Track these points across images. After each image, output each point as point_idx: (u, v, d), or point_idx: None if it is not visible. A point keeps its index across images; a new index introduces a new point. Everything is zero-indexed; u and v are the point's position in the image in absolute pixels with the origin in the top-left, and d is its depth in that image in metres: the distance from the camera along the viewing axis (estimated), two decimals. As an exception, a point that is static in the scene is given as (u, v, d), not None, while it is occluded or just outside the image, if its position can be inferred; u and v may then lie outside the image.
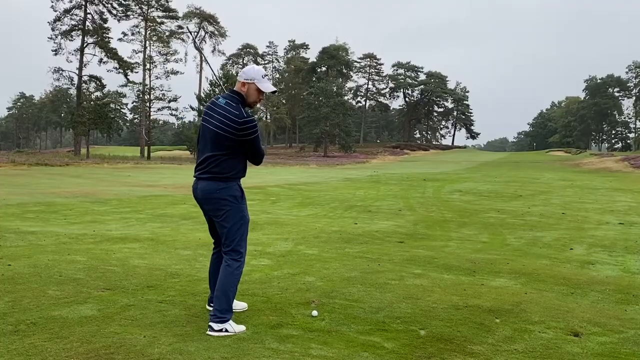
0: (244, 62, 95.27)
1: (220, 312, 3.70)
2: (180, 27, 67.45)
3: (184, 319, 3.92)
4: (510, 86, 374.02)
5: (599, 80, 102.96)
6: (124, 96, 79.90)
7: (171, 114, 62.17)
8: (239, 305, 4.18)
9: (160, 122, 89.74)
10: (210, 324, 3.70)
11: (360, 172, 33.86)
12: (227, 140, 3.67)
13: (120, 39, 62.26)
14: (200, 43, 72.20)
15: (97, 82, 57.73)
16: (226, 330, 3.68)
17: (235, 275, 3.80)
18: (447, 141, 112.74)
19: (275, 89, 3.86)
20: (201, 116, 3.98)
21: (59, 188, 17.36)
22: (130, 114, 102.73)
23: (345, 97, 79.43)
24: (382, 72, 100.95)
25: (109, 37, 57.59)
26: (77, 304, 4.19)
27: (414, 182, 23.67)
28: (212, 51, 78.75)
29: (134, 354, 3.21)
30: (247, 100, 3.77)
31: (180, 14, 68.10)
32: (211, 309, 3.89)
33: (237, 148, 3.71)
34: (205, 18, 75.02)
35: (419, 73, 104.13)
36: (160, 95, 60.35)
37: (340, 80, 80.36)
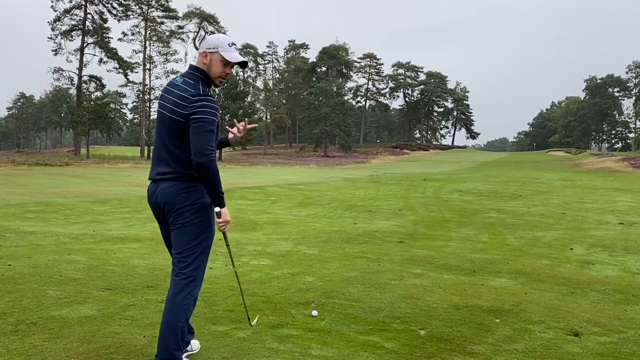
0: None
1: (165, 352, 2.93)
2: (180, 27, 67.48)
3: (184, 319, 3.91)
4: (510, 86, 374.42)
5: (599, 80, 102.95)
6: (124, 96, 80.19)
7: (171, 114, 61.97)
8: (193, 345, 3.34)
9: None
10: None
11: (360, 172, 33.85)
12: (184, 125, 2.91)
13: (120, 39, 62.26)
14: (200, 43, 72.16)
15: (97, 82, 57.77)
16: None
17: (185, 306, 2.97)
18: (447, 141, 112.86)
19: (244, 59, 3.08)
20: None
21: (59, 188, 17.36)
22: (130, 114, 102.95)
23: (345, 97, 79.39)
24: (382, 72, 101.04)
25: (109, 37, 57.60)
26: (77, 304, 4.19)
27: (414, 182, 23.66)
28: (212, 51, 78.47)
29: (134, 354, 3.21)
30: (210, 75, 3.03)
31: (180, 14, 68.11)
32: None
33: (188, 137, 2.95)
34: (205, 18, 74.97)
35: (419, 73, 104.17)
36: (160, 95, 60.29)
37: (340, 80, 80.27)
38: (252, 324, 3.47)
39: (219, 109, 2.96)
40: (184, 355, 3.12)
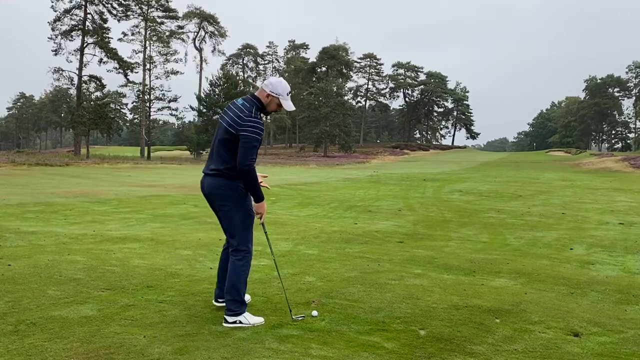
0: (244, 62, 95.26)
1: (234, 305, 3.85)
2: (180, 27, 67.47)
3: (184, 319, 3.92)
4: (510, 86, 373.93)
5: (599, 80, 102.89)
6: (124, 96, 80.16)
7: (171, 114, 62.13)
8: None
9: (160, 122, 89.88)
10: (225, 316, 3.87)
11: (360, 172, 33.85)
12: (229, 135, 3.78)
13: (120, 39, 62.30)
14: (200, 43, 72.23)
15: (97, 82, 57.80)
16: (240, 322, 3.81)
17: (243, 271, 3.92)
18: (447, 141, 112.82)
19: (294, 107, 4.02)
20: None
21: (59, 188, 17.36)
22: (130, 114, 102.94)
23: (345, 97, 79.34)
24: (382, 72, 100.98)
25: (109, 37, 57.64)
26: (77, 304, 4.19)
27: (414, 182, 23.66)
28: (212, 51, 79.03)
29: (134, 354, 3.21)
30: (266, 109, 3.92)
31: (180, 14, 68.11)
32: (218, 304, 4.17)
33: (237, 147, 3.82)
34: (205, 18, 75.00)
35: (419, 73, 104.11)
36: (160, 95, 60.34)
37: (340, 80, 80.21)
38: (294, 317, 3.97)
39: (263, 130, 3.81)
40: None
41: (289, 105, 3.92)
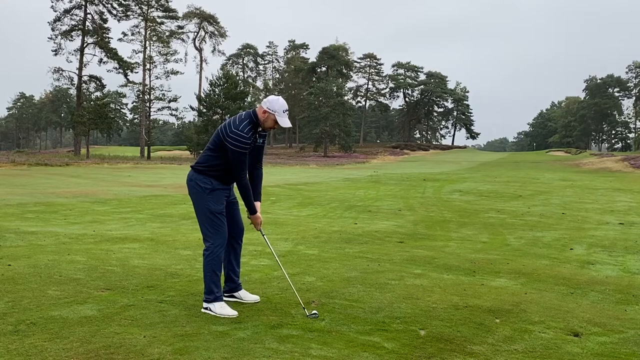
0: (244, 62, 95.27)
1: (205, 294, 4.17)
2: (180, 27, 67.44)
3: (184, 319, 3.92)
4: (510, 86, 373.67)
5: (599, 80, 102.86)
6: (124, 96, 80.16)
7: (171, 114, 62.24)
8: (251, 297, 4.53)
9: (160, 122, 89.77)
10: (203, 302, 4.19)
11: (360, 172, 33.85)
12: (217, 138, 4.08)
13: (120, 39, 62.29)
14: (200, 43, 72.22)
15: (97, 82, 57.82)
16: (210, 310, 4.08)
17: (208, 264, 4.14)
18: (447, 141, 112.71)
19: (290, 125, 4.18)
20: None
21: (59, 188, 17.36)
22: (130, 114, 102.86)
23: (345, 97, 79.30)
24: (382, 72, 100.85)
25: (109, 37, 57.64)
26: (77, 304, 4.19)
27: (414, 182, 23.66)
28: (212, 51, 79.00)
29: (134, 354, 3.21)
30: (262, 124, 4.09)
31: (180, 14, 68.07)
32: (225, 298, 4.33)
33: (221, 150, 4.04)
34: (205, 18, 74.99)
35: (419, 73, 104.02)
36: (160, 95, 60.35)
37: (340, 80, 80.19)
38: (308, 314, 4.04)
39: (246, 143, 3.97)
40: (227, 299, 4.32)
41: (285, 122, 4.05)
